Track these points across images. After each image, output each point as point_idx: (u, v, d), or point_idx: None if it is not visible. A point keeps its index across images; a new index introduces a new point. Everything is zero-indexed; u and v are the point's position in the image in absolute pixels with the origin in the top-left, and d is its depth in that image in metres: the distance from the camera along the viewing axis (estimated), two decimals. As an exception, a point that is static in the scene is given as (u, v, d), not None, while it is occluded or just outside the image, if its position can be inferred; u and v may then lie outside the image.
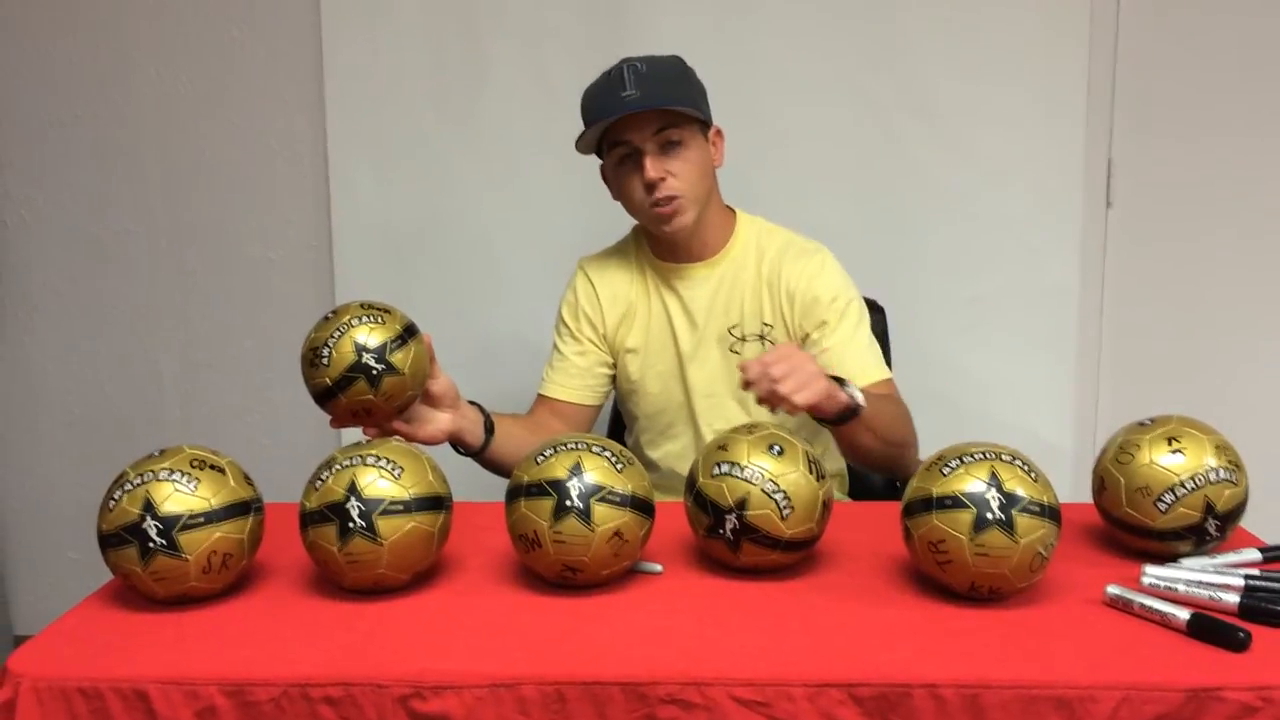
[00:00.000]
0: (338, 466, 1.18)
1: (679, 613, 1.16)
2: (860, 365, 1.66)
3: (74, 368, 2.56)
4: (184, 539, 1.13)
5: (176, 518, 1.13)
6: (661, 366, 1.77)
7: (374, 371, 1.35)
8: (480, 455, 1.60)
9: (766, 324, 1.73)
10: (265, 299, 2.48)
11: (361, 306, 1.39)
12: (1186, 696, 0.98)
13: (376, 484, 1.16)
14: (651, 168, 1.61)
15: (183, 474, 1.16)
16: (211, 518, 1.15)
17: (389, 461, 1.18)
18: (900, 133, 2.28)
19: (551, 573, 1.19)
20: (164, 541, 1.13)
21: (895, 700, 1.00)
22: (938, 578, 1.16)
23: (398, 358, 1.36)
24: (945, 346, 2.30)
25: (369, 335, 1.36)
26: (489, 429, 1.59)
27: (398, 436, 1.38)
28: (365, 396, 1.36)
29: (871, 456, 1.58)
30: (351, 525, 1.14)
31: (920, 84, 2.26)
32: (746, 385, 1.41)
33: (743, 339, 1.73)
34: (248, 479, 1.22)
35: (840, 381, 1.46)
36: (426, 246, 2.40)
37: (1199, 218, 2.34)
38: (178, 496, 1.14)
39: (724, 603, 1.18)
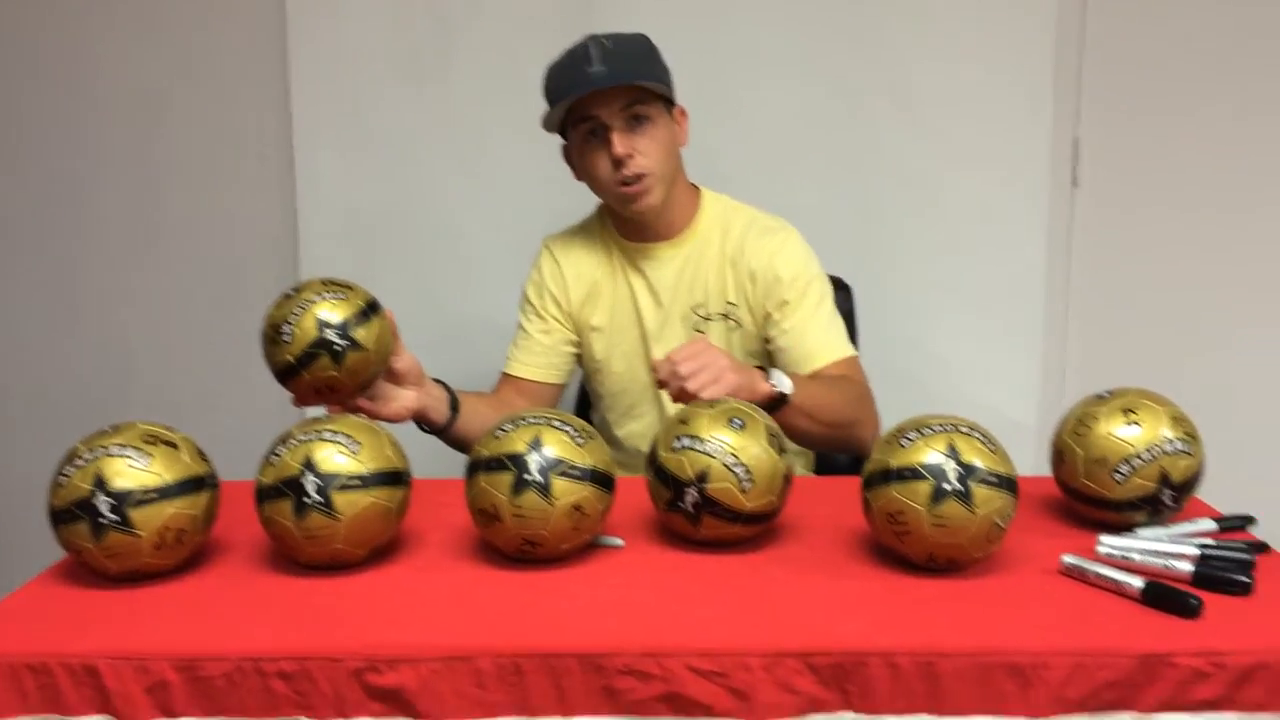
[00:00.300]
0: (294, 441, 1.17)
1: (638, 586, 1.15)
2: (820, 344, 1.67)
3: (30, 345, 2.54)
4: (136, 515, 1.12)
5: (128, 493, 1.12)
6: (626, 345, 1.77)
7: (337, 347, 1.33)
8: (445, 433, 1.59)
9: (731, 303, 1.72)
10: (232, 282, 2.46)
11: (323, 283, 1.38)
12: (1139, 662, 0.99)
13: (333, 459, 1.15)
14: (619, 143, 1.60)
15: (135, 450, 1.14)
16: (165, 493, 1.14)
17: (346, 437, 1.17)
18: (868, 114, 2.27)
19: (511, 547, 1.19)
20: (116, 517, 1.11)
21: (851, 669, 1.00)
22: (896, 549, 1.16)
23: (361, 333, 1.35)
24: (912, 326, 2.31)
25: (331, 311, 1.34)
26: (454, 406, 1.59)
27: (361, 414, 1.38)
28: (329, 373, 1.34)
29: (811, 439, 1.60)
30: (308, 500, 1.13)
31: (889, 65, 2.26)
32: (660, 385, 1.43)
33: (707, 318, 1.73)
34: (202, 455, 1.21)
35: (765, 371, 1.48)
36: (393, 230, 2.37)
37: (1165, 197, 2.35)
38: (130, 472, 1.13)
39: (684, 576, 1.17)
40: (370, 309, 1.38)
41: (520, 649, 1.02)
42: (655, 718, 1.01)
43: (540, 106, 1.65)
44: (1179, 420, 1.23)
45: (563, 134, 1.70)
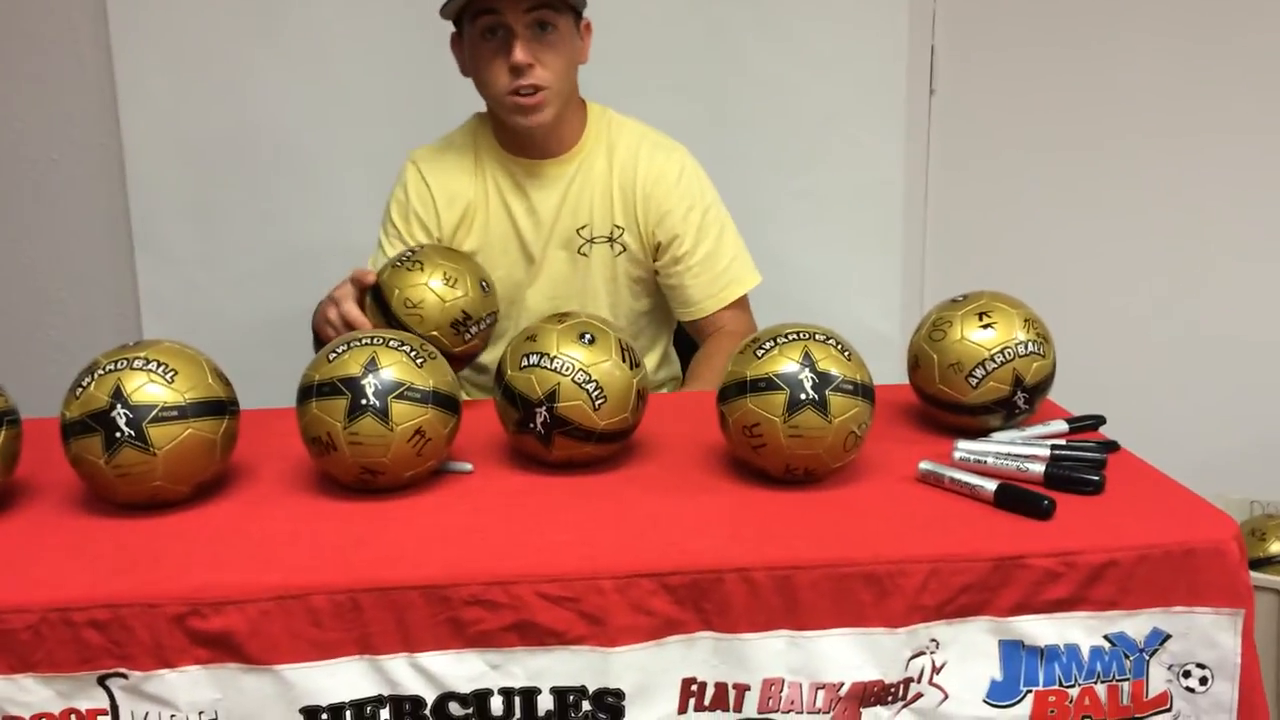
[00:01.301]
0: (100, 371, 1.06)
1: (487, 511, 1.10)
2: (707, 290, 1.67)
3: None
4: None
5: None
6: (502, 271, 1.67)
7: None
8: None
9: (618, 226, 1.65)
10: (51, 204, 2.27)
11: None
12: (993, 565, 0.98)
13: (146, 389, 1.05)
14: (520, 51, 1.49)
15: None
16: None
17: (159, 364, 1.07)
18: (724, 24, 2.21)
19: (349, 477, 1.11)
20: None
21: (707, 587, 0.97)
22: (753, 462, 1.13)
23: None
24: (773, 240, 2.24)
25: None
26: None
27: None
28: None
29: None
30: (119, 435, 1.04)
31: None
32: None
33: (591, 240, 1.66)
34: (1, 391, 1.10)
35: None
36: (231, 151, 2.23)
37: (1018, 103, 2.37)
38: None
39: (534, 500, 1.12)
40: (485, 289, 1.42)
41: (357, 583, 0.95)
42: (505, 648, 0.97)
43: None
44: (1031, 322, 1.22)
45: (456, 23, 1.58)
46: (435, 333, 1.35)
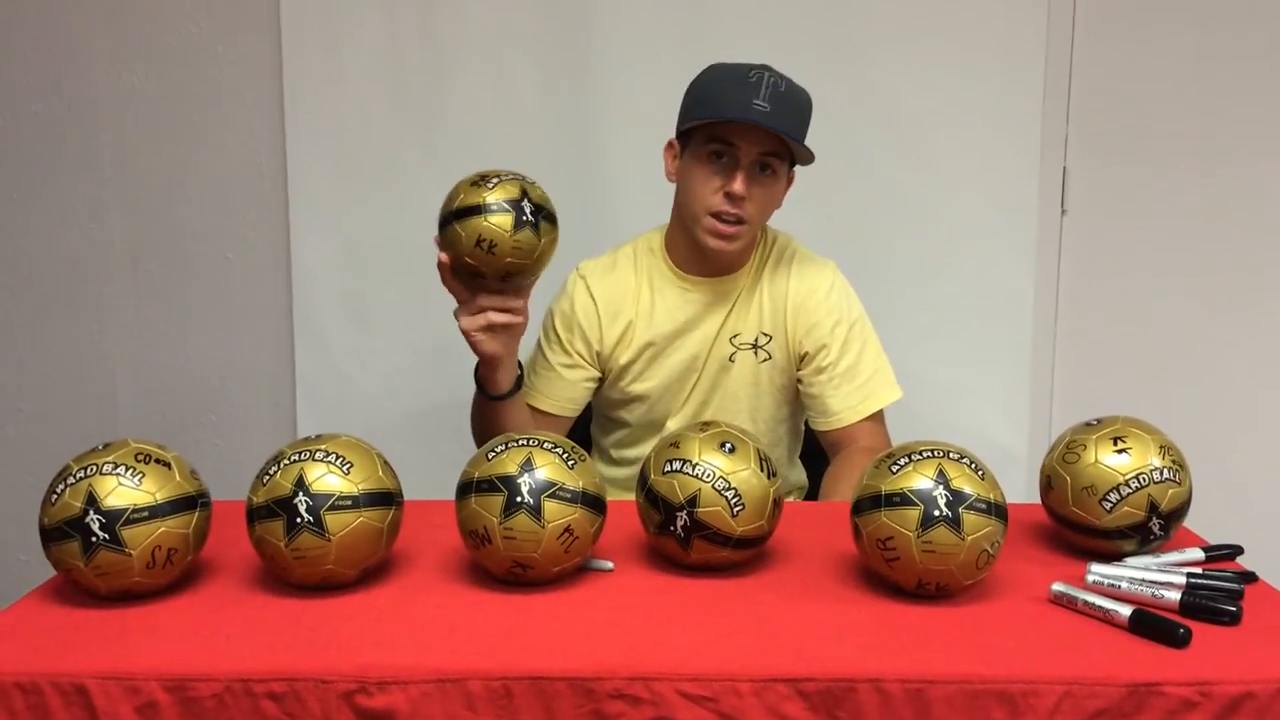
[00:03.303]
0: (286, 461, 1.17)
1: (628, 609, 1.15)
2: (847, 402, 1.71)
3: (26, 366, 2.52)
4: (127, 534, 1.12)
5: (121, 511, 1.12)
6: (657, 381, 1.75)
7: (524, 218, 1.43)
8: (497, 401, 1.60)
9: (765, 333, 1.72)
10: (222, 300, 2.46)
11: (538, 185, 1.49)
12: (1127, 691, 0.99)
13: (325, 479, 1.15)
14: (740, 183, 1.58)
15: (127, 468, 1.14)
16: (156, 512, 1.13)
17: (338, 456, 1.17)
18: (859, 139, 2.29)
19: (501, 569, 1.19)
20: (107, 536, 1.11)
21: (841, 695, 1.00)
22: (886, 575, 1.17)
23: (544, 226, 1.46)
24: (903, 352, 2.28)
25: (538, 196, 1.46)
26: (518, 384, 1.62)
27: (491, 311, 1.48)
28: (500, 234, 1.42)
29: None
30: (299, 520, 1.13)
31: (879, 90, 2.28)
32: None
33: (738, 348, 1.73)
34: (194, 474, 1.21)
35: None
36: (387, 250, 2.38)
37: (1150, 225, 2.38)
38: (122, 490, 1.13)
39: (674, 599, 1.18)
40: (554, 222, 1.48)
41: (510, 671, 1.02)
42: (644, 742, 1.01)
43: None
44: (1167, 449, 1.23)
45: (682, 133, 1.66)
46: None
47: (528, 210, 1.43)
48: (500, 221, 1.42)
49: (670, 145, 1.70)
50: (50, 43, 2.37)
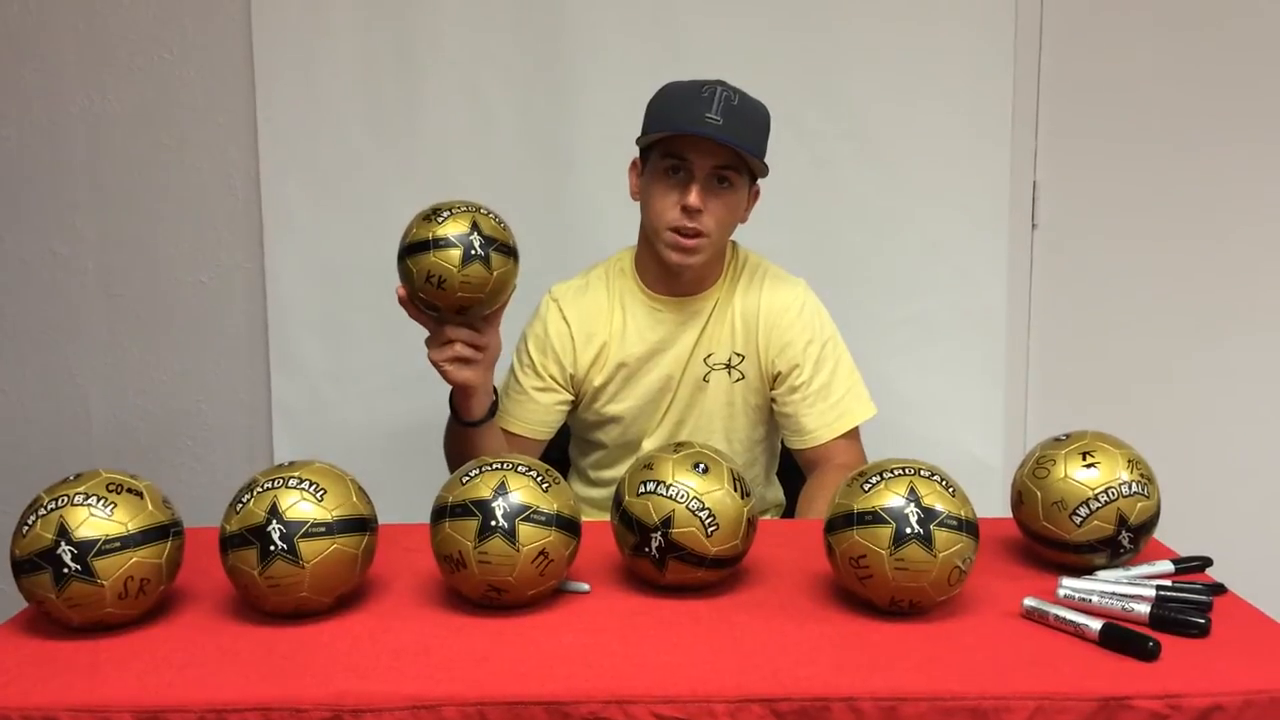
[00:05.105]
0: (259, 489, 1.16)
1: (604, 631, 1.16)
2: (821, 420, 1.71)
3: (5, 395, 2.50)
4: (100, 564, 1.11)
5: (93, 543, 1.11)
6: (632, 401, 1.76)
7: (473, 251, 1.42)
8: (472, 426, 1.59)
9: (738, 353, 1.73)
10: (196, 324, 2.45)
11: (493, 214, 1.48)
12: (1098, 705, 1.00)
13: (298, 506, 1.15)
14: (695, 196, 1.59)
15: (99, 498, 1.14)
16: (128, 542, 1.13)
17: (311, 483, 1.17)
18: (830, 156, 2.31)
19: (476, 593, 1.19)
20: (79, 567, 1.11)
21: (815, 714, 1.01)
22: (859, 593, 1.17)
23: (497, 259, 1.44)
24: (877, 368, 2.31)
25: (489, 228, 1.45)
26: (492, 410, 1.61)
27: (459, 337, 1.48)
28: (449, 268, 1.41)
29: None
30: (273, 548, 1.13)
31: (849, 107, 2.31)
32: None
33: (711, 369, 1.74)
34: (166, 502, 1.20)
35: None
36: (362, 272, 2.37)
37: (1120, 237, 2.41)
38: (93, 521, 1.12)
39: (649, 621, 1.18)
40: (513, 255, 1.47)
41: (486, 696, 1.02)
42: (621, 765, 1.01)
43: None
44: (1135, 463, 1.25)
45: (643, 151, 1.68)
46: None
47: (477, 244, 1.42)
48: (447, 257, 1.41)
49: (634, 164, 1.71)
50: (21, 66, 2.36)
